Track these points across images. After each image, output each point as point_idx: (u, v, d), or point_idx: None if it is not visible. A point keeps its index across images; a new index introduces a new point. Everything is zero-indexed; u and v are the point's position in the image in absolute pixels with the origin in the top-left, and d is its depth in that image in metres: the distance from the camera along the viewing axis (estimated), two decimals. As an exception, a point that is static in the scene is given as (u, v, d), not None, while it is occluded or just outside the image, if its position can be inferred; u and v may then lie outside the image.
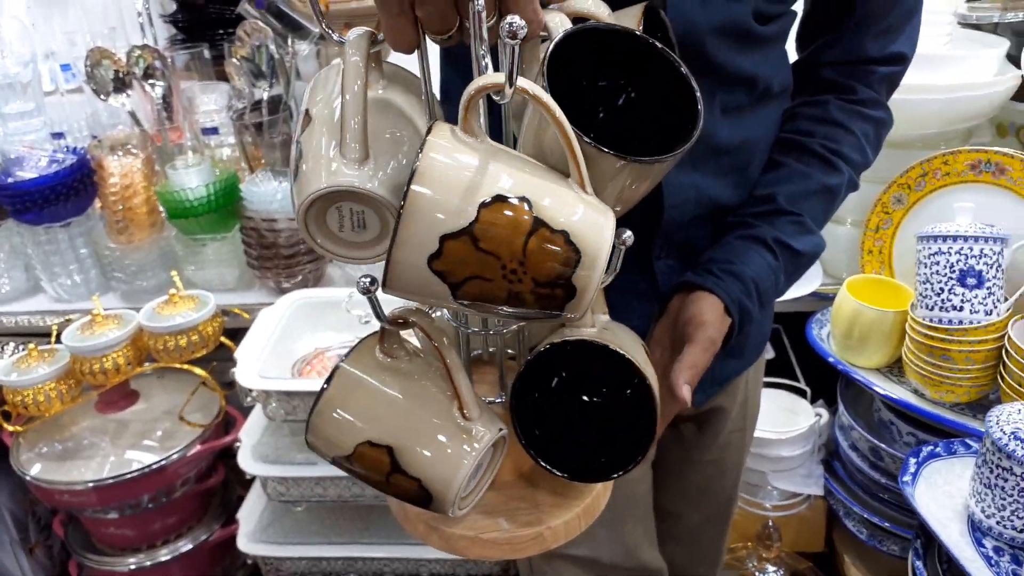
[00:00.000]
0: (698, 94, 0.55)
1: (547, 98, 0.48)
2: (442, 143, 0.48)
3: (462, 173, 0.48)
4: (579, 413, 0.68)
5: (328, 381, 0.60)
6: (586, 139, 0.50)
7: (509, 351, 0.73)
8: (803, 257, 0.84)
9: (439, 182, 0.47)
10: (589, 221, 0.50)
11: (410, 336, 0.67)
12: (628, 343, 0.64)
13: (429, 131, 0.49)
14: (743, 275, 0.78)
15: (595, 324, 0.64)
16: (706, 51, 0.74)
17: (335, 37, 0.55)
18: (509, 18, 0.45)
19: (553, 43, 0.50)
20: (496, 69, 0.50)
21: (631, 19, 0.66)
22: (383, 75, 0.58)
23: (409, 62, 0.60)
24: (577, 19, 0.58)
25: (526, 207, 0.48)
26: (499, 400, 0.69)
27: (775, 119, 0.87)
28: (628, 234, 0.57)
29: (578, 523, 0.68)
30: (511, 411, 0.63)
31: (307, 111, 0.55)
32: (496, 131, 0.57)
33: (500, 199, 0.47)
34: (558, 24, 0.54)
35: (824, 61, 0.87)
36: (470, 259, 0.48)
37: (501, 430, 0.61)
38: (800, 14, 0.88)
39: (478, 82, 0.48)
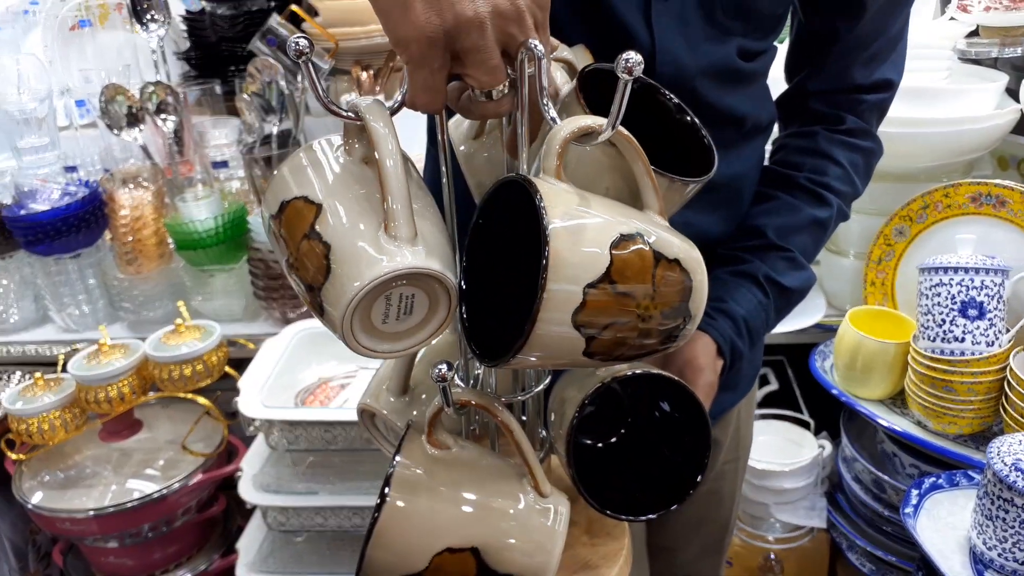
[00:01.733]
0: (704, 132, 0.57)
1: (632, 136, 0.50)
2: (554, 195, 0.48)
3: (584, 221, 0.48)
4: (628, 450, 0.67)
5: (383, 493, 0.53)
6: (656, 169, 0.52)
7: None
8: (793, 294, 0.84)
9: (571, 234, 0.46)
10: (688, 247, 0.52)
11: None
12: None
13: (530, 185, 0.48)
14: (735, 314, 0.78)
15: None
16: (695, 93, 0.75)
17: (344, 113, 0.50)
18: (626, 54, 0.44)
19: (576, 79, 0.50)
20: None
21: (583, 54, 0.66)
22: None
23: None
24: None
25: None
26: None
27: (763, 153, 0.88)
28: None
29: (628, 565, 0.67)
30: (571, 464, 0.60)
31: (305, 199, 0.49)
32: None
33: (625, 238, 0.48)
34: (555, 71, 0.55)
35: (811, 91, 0.87)
36: (610, 304, 0.47)
37: (569, 499, 0.59)
38: (785, 47, 0.89)
39: (573, 124, 0.48)
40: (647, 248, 0.49)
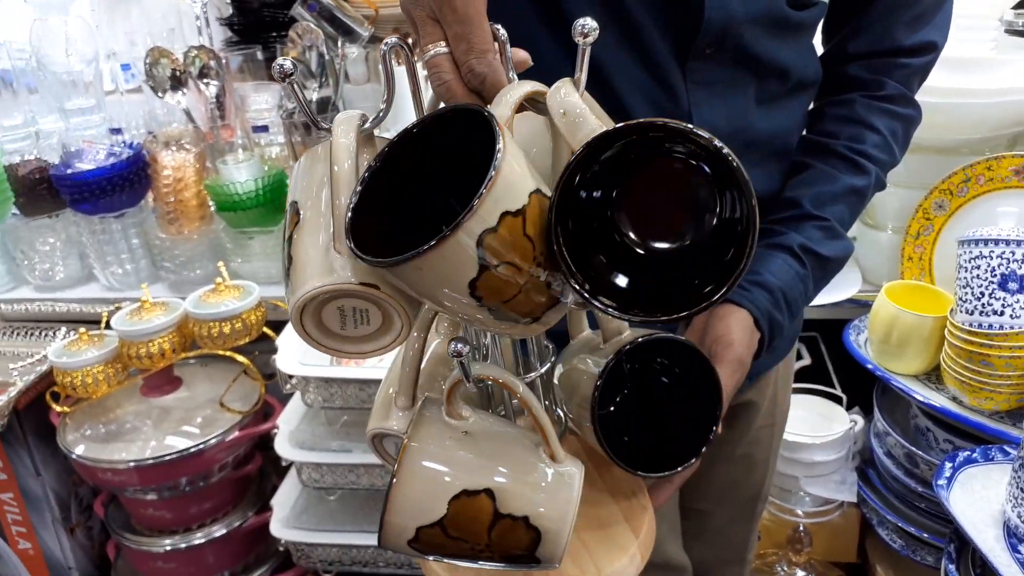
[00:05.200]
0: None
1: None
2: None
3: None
4: (648, 411, 0.68)
5: (404, 449, 0.54)
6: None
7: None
8: (831, 263, 0.82)
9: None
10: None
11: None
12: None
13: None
14: (770, 285, 0.77)
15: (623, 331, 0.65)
16: (744, 41, 0.74)
17: (325, 127, 0.52)
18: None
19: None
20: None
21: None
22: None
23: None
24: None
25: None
26: None
27: (806, 111, 0.87)
28: None
29: (653, 523, 0.69)
30: (596, 426, 0.61)
31: (294, 206, 0.52)
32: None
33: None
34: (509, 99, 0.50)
35: (852, 53, 0.85)
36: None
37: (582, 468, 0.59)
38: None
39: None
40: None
